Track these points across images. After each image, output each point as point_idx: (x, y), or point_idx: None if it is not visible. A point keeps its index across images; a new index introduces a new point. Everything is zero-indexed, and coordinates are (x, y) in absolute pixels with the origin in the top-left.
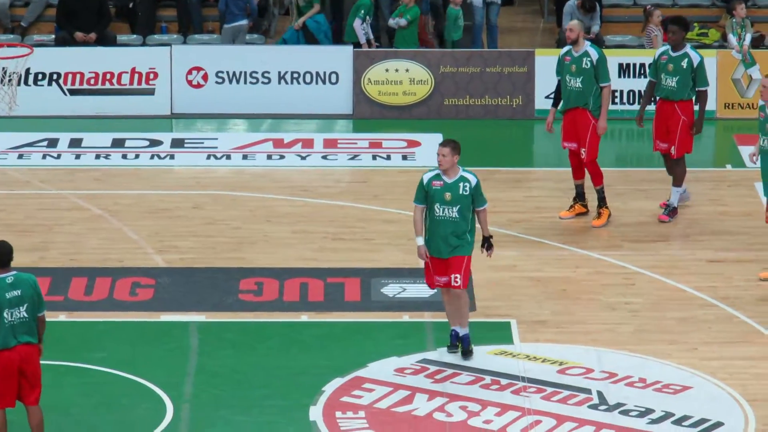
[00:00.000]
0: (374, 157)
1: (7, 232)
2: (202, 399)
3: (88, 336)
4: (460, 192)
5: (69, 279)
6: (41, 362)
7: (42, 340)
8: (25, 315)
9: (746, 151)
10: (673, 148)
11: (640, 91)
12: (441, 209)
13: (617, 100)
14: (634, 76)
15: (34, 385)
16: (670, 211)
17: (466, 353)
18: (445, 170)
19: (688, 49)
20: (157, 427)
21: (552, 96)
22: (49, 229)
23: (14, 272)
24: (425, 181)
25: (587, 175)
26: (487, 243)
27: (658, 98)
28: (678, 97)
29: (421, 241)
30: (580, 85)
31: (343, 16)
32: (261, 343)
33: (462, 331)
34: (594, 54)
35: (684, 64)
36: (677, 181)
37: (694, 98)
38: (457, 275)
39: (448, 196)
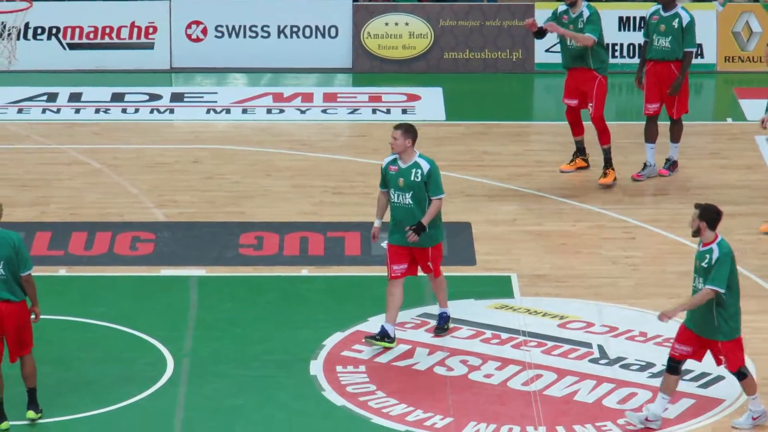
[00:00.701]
0: (374, 111)
1: (6, 187)
2: (202, 353)
3: (89, 290)
4: (412, 178)
5: (69, 233)
6: (42, 317)
7: (36, 301)
8: (2, 272)
9: (746, 104)
10: (674, 109)
11: (640, 45)
12: (396, 195)
13: (617, 53)
14: (634, 30)
15: (19, 343)
16: (671, 165)
17: (439, 330)
18: (400, 154)
19: (679, 8)
20: (158, 381)
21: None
22: (48, 183)
23: None
24: (384, 166)
25: (588, 132)
26: (416, 227)
27: (650, 60)
28: (673, 56)
29: (377, 222)
30: (579, 46)
31: None
32: (261, 297)
33: (440, 309)
34: (586, 13)
35: (675, 23)
36: (675, 138)
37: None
38: (431, 263)
39: (401, 181)
